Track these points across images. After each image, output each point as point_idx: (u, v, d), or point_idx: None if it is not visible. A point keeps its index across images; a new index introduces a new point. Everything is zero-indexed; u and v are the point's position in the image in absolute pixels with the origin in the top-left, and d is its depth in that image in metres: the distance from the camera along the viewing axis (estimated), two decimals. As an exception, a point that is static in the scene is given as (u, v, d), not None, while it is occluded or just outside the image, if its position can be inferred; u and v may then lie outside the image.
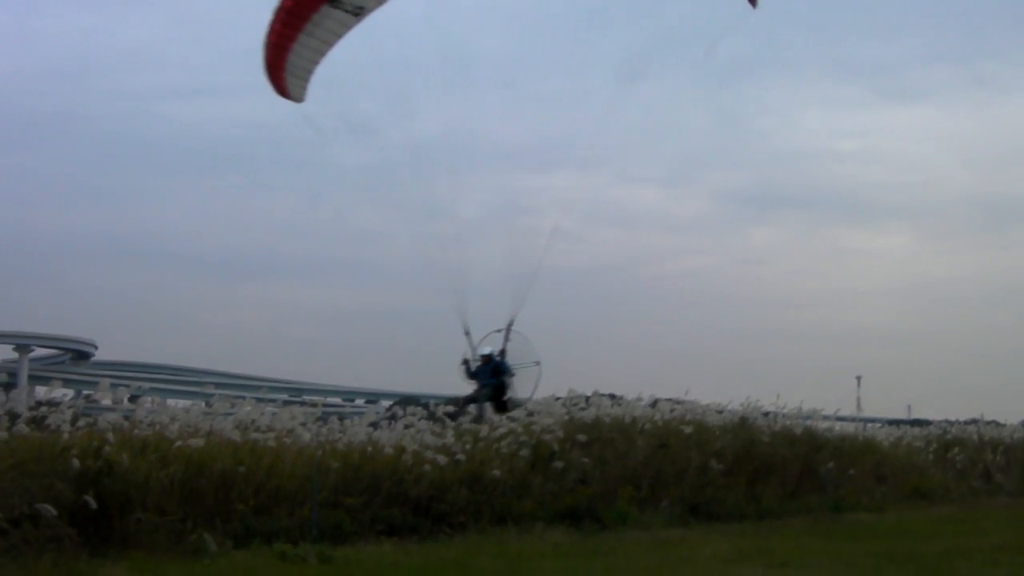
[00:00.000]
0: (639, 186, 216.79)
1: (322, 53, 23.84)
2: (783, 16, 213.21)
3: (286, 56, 23.62)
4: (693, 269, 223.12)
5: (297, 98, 24.81)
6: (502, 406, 28.67)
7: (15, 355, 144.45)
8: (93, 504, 19.05)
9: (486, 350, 28.34)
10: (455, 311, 28.25)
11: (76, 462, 19.57)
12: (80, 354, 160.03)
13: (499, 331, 28.77)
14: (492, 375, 28.48)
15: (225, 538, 20.51)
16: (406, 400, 47.46)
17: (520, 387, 29.51)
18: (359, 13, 23.08)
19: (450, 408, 29.24)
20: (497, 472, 25.25)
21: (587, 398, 32.89)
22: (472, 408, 28.99)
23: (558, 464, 26.94)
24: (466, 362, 28.55)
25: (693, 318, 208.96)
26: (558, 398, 32.36)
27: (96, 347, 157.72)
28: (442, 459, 24.34)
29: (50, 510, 18.41)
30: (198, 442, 21.84)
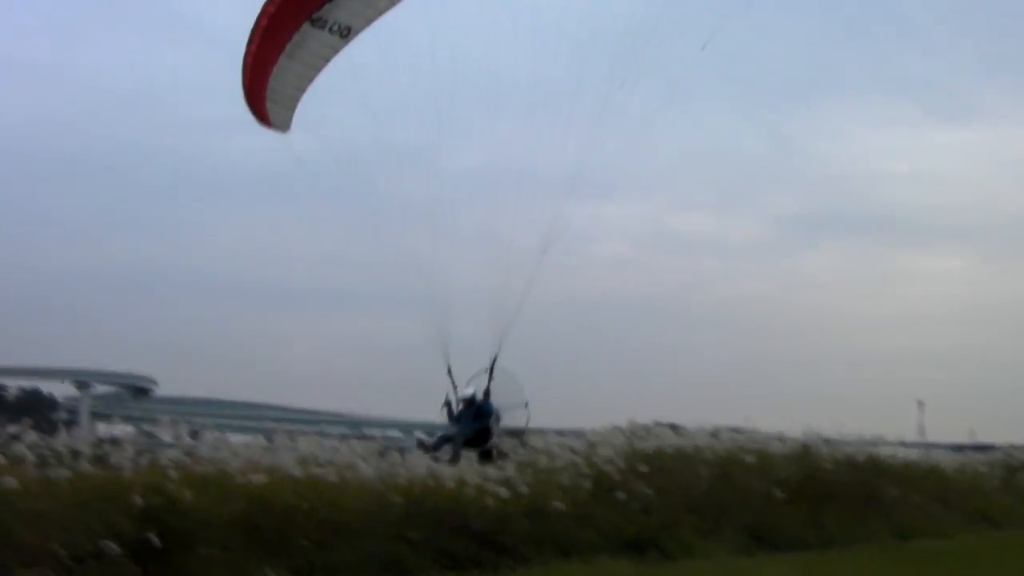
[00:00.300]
0: (692, 212, 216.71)
1: (307, 79, 22.03)
2: (832, 38, 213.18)
3: (266, 81, 21.77)
4: (749, 294, 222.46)
5: (281, 127, 22.87)
6: (486, 454, 25.24)
7: (76, 392, 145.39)
8: (156, 541, 19.04)
9: (468, 392, 25.23)
10: (437, 347, 25.48)
11: (139, 499, 19.58)
12: (140, 390, 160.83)
13: (486, 371, 25.98)
14: (475, 418, 25.39)
15: (288, 573, 20.47)
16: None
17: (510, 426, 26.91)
18: (346, 35, 21.35)
19: (427, 439, 26.80)
20: (559, 504, 25.12)
21: (648, 428, 32.76)
22: (446, 449, 25.99)
23: (620, 495, 26.79)
24: (448, 404, 25.61)
25: (751, 344, 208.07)
26: (619, 428, 32.19)
27: (156, 383, 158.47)
28: (504, 491, 24.24)
29: (114, 548, 18.41)
30: (260, 478, 21.81)
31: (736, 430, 34.82)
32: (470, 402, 24.97)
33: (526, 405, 23.91)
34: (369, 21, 21.33)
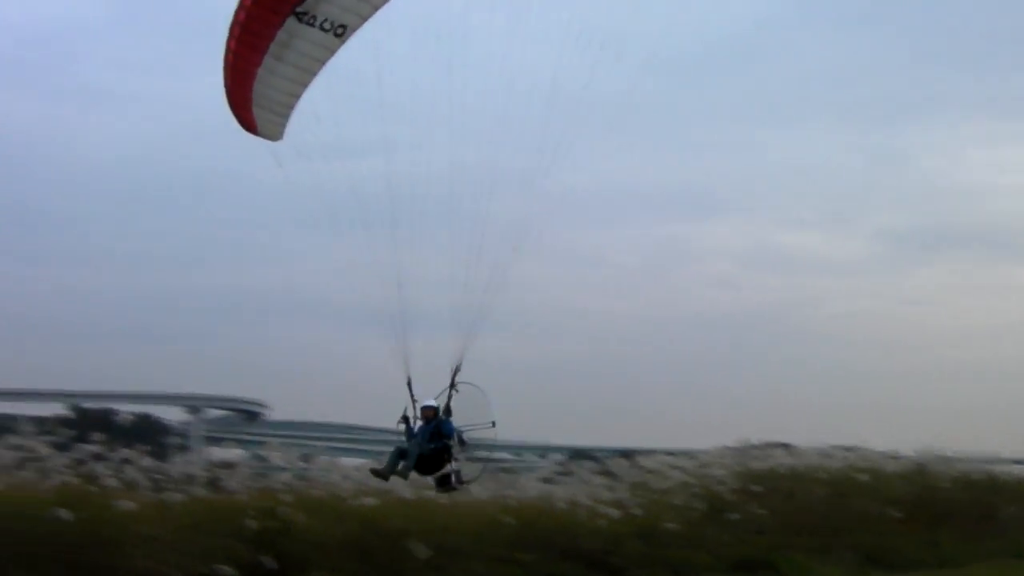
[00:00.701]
0: (798, 229, 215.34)
1: (300, 83, 19.64)
2: (936, 57, 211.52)
3: (250, 83, 19.36)
4: (858, 310, 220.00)
5: (272, 136, 20.33)
6: (444, 481, 20.43)
7: (188, 417, 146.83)
8: (271, 564, 19.15)
9: (430, 402, 20.50)
10: (397, 353, 20.98)
11: (253, 523, 19.70)
12: (250, 414, 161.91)
13: (452, 387, 20.72)
14: (431, 438, 20.37)
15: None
16: (578, 454, 47.25)
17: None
18: (340, 33, 19.01)
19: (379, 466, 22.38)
20: (672, 524, 24.98)
21: (759, 447, 32.56)
22: (403, 465, 20.13)
23: (733, 515, 26.60)
24: (406, 419, 20.37)
25: (861, 361, 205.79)
26: (730, 448, 32.02)
27: (267, 407, 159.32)
28: (615, 512, 24.15)
29: (228, 571, 18.55)
30: (372, 500, 21.85)
31: (848, 448, 34.47)
32: (433, 414, 20.42)
33: (493, 424, 20.43)
34: (364, 18, 19.24)
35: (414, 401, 20.10)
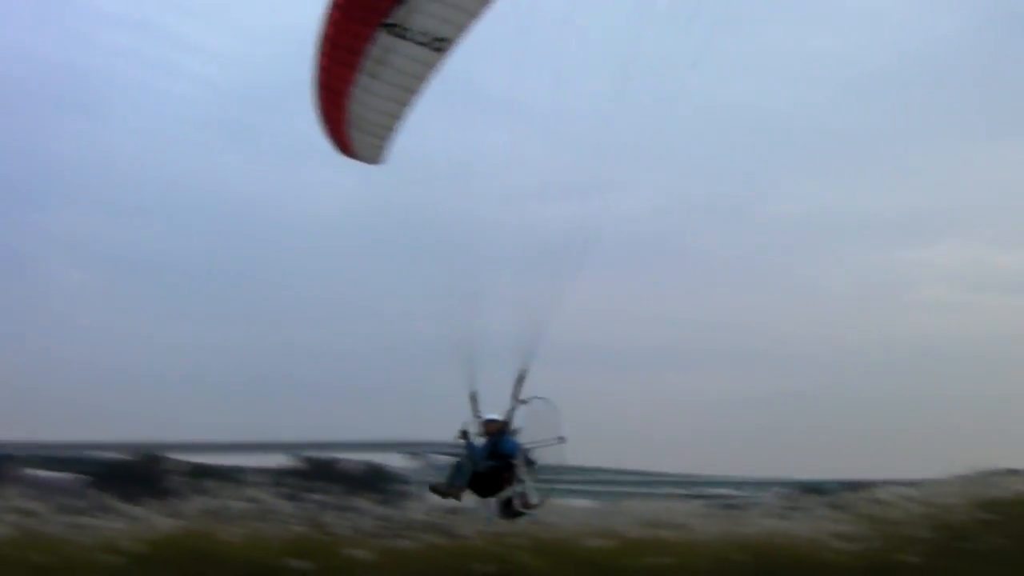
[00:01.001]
0: (1020, 249, 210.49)
1: (399, 102, 18.33)
2: None
3: (342, 101, 18.16)
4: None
5: (371, 159, 19.46)
6: (507, 506, 18.77)
7: (413, 463, 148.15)
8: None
9: (492, 415, 19.04)
10: (461, 366, 19.72)
11: (485, 567, 19.75)
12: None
13: (519, 401, 19.46)
14: (490, 456, 18.83)
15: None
16: (804, 487, 46.73)
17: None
18: (440, 47, 17.64)
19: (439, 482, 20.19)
20: (908, 557, 24.50)
21: (990, 474, 31.82)
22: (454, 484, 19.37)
23: (970, 545, 25.98)
24: (465, 434, 19.19)
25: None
26: (962, 476, 31.32)
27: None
28: (849, 546, 23.78)
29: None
30: (601, 541, 21.82)
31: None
32: (496, 428, 19.03)
33: (560, 440, 18.63)
34: (462, 28, 17.81)
35: (477, 416, 18.98)
